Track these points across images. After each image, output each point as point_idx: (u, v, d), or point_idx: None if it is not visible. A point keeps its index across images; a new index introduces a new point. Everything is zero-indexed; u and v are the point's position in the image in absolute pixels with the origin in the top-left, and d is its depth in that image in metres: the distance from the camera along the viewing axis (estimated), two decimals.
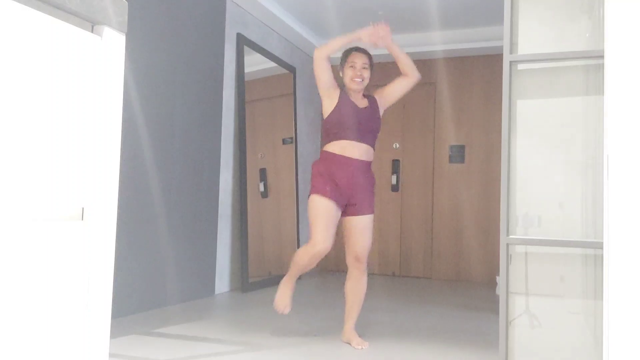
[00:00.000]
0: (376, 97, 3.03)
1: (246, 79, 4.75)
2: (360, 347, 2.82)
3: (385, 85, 3.06)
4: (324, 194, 2.81)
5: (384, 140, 6.11)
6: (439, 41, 5.57)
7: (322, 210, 2.80)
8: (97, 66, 0.92)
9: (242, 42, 4.70)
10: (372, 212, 2.94)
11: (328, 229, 2.80)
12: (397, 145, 6.06)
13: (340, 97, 2.90)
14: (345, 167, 2.85)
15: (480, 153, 5.73)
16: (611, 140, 1.79)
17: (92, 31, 0.92)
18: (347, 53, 2.99)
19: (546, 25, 2.38)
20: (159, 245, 3.68)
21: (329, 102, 2.91)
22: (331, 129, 2.90)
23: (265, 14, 4.90)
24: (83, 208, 0.90)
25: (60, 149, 0.84)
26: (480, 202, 5.68)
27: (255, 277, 4.68)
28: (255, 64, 4.94)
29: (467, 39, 5.52)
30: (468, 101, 5.81)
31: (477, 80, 5.78)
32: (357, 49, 3.00)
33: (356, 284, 2.94)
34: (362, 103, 2.96)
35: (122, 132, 0.99)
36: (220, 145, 4.42)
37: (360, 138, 2.87)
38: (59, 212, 0.86)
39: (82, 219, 0.90)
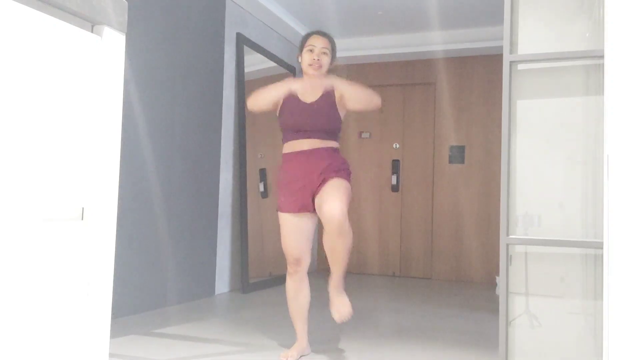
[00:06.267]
0: (336, 92, 2.64)
1: (246, 79, 4.75)
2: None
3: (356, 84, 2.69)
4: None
5: (384, 140, 6.12)
6: (439, 41, 5.57)
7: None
8: (97, 66, 0.92)
9: (242, 42, 4.70)
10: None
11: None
12: (397, 145, 6.06)
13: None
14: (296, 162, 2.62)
15: (480, 153, 5.73)
16: (611, 140, 1.79)
17: (92, 31, 0.92)
18: (307, 36, 2.70)
19: (546, 25, 2.38)
20: (159, 245, 3.68)
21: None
22: (282, 130, 2.73)
23: (265, 14, 4.90)
24: (83, 208, 0.90)
25: (61, 149, 0.84)
26: (480, 202, 5.68)
27: (256, 277, 4.68)
28: (255, 64, 4.93)
29: (467, 39, 5.52)
30: (468, 101, 5.81)
31: (477, 80, 5.78)
32: (318, 32, 2.71)
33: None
34: (313, 96, 2.66)
35: (122, 132, 0.99)
36: (220, 145, 4.42)
37: (309, 136, 2.61)
38: (59, 212, 0.86)
39: (82, 219, 0.90)
